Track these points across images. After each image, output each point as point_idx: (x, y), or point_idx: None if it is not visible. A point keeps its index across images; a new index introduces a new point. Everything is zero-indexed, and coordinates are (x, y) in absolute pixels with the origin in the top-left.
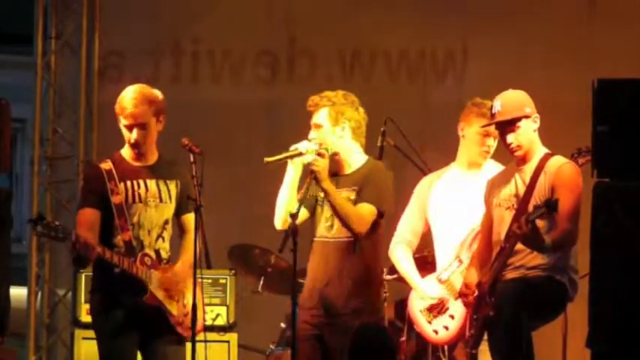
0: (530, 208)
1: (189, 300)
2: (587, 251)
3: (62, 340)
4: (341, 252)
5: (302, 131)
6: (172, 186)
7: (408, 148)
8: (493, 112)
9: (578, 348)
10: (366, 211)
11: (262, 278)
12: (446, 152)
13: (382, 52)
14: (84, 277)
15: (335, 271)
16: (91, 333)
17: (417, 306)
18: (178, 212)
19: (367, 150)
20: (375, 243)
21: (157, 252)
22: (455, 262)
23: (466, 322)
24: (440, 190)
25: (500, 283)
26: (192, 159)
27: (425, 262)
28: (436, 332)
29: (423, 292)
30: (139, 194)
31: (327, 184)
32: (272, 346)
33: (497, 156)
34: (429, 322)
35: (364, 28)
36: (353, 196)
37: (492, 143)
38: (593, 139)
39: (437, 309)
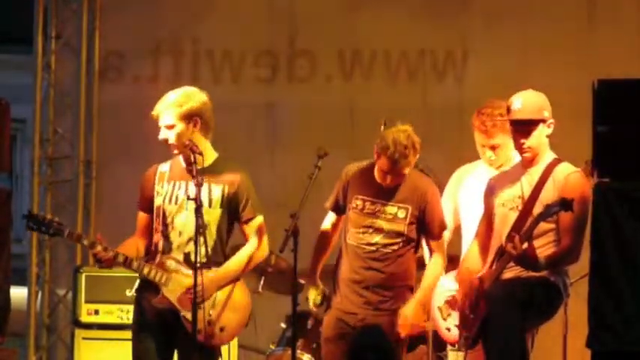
0: (536, 210)
1: (216, 309)
2: (587, 251)
3: (62, 340)
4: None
5: (302, 131)
6: (218, 191)
7: None
8: (512, 108)
9: (578, 348)
10: (441, 260)
11: (262, 278)
12: (446, 152)
13: (382, 52)
14: (84, 277)
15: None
16: (91, 333)
17: (436, 302)
18: (237, 219)
19: (367, 150)
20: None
21: (187, 255)
22: None
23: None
24: (469, 186)
25: (494, 283)
26: (192, 159)
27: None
28: (448, 330)
29: (441, 286)
30: (177, 196)
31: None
32: (272, 346)
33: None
34: (444, 320)
35: (364, 28)
36: (403, 214)
37: (489, 154)
38: (593, 139)
39: (453, 303)
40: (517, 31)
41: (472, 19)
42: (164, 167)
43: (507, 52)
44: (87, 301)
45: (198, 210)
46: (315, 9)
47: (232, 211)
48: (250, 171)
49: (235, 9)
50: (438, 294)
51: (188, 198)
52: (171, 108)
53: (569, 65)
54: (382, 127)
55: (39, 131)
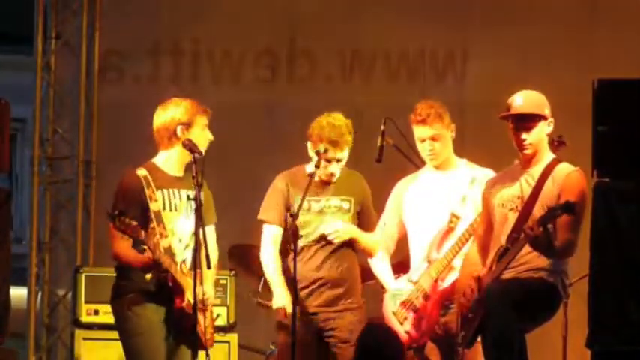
0: (536, 211)
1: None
2: (587, 251)
3: (62, 340)
4: None
5: (302, 131)
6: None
7: (408, 148)
8: (513, 105)
9: (578, 348)
10: None
11: (262, 278)
12: None
13: (382, 52)
14: (84, 277)
15: None
16: (91, 333)
17: (390, 307)
18: None
19: (367, 150)
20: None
21: (184, 261)
22: (424, 263)
23: (433, 324)
24: (413, 192)
25: (493, 283)
26: (192, 159)
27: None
28: (407, 333)
29: (393, 290)
30: (175, 204)
31: None
32: (272, 346)
33: (495, 158)
34: (401, 324)
35: (364, 28)
36: (347, 206)
37: (430, 146)
38: (593, 139)
39: (407, 306)
40: (517, 31)
41: (472, 19)
42: (142, 172)
43: (507, 52)
44: (87, 301)
45: (198, 210)
46: (315, 9)
47: None
48: (250, 171)
49: (235, 9)
50: (391, 298)
51: (188, 198)
52: None
53: (569, 65)
54: (382, 126)
55: (39, 131)
